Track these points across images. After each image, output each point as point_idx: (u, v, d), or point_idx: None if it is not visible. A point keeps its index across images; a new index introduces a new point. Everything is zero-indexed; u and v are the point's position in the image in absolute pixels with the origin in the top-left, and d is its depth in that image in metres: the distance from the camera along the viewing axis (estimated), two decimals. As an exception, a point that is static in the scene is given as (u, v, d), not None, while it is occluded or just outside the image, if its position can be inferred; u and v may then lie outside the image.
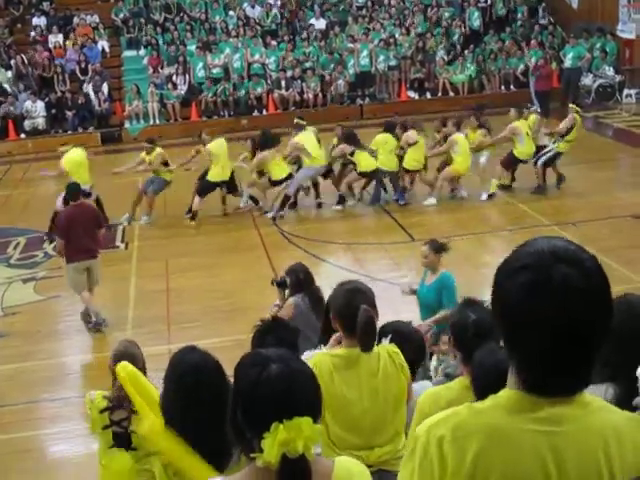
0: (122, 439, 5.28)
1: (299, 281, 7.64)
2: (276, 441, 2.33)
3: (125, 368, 4.55)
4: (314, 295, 7.50)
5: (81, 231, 10.89)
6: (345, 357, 4.49)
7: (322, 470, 2.52)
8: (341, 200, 15.58)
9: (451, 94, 25.01)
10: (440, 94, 25.13)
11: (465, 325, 4.26)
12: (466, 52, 25.62)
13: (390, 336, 4.77)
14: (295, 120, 16.12)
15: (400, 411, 4.60)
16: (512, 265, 2.06)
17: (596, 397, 2.15)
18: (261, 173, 15.57)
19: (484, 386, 3.45)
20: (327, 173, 15.87)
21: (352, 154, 15.39)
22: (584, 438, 2.03)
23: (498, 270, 2.11)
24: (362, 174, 15.54)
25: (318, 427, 2.41)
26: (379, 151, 15.29)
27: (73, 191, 11.41)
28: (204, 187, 15.31)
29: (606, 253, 11.77)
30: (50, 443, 8.68)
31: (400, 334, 5.06)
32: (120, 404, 5.23)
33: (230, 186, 15.60)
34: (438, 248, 8.28)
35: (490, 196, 15.40)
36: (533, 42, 25.18)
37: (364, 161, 15.29)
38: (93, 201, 14.77)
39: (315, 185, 15.82)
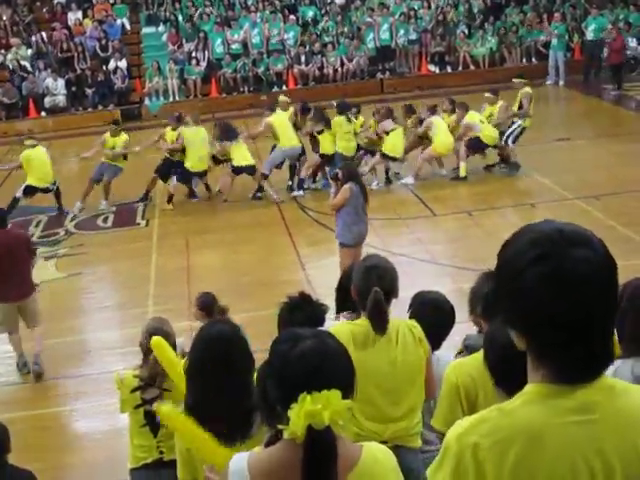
0: (154, 418, 5.28)
1: (350, 172, 9.92)
2: (302, 411, 2.33)
3: (159, 342, 4.56)
4: (361, 183, 10.04)
5: (7, 264, 9.00)
6: (365, 327, 4.48)
7: (349, 454, 2.52)
8: (300, 185, 15.27)
9: (472, 67, 24.82)
10: (461, 68, 24.95)
11: (486, 296, 4.22)
12: (487, 25, 25.39)
13: (410, 311, 4.75)
14: (280, 98, 15.93)
15: (416, 386, 4.58)
16: (522, 258, 1.96)
17: (616, 379, 2.09)
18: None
19: (497, 364, 3.41)
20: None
21: (320, 132, 15.01)
22: (618, 423, 1.96)
23: (504, 265, 2.02)
24: (322, 156, 15.12)
25: (347, 402, 2.40)
26: (337, 136, 14.89)
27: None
28: (186, 176, 15.06)
29: (631, 227, 11.69)
30: (71, 419, 8.72)
31: (429, 303, 5.02)
32: (152, 382, 5.22)
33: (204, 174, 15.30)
34: None
35: (462, 179, 15.08)
36: (556, 15, 24.86)
37: (327, 143, 14.97)
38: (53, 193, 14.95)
39: (291, 169, 15.40)
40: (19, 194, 14.73)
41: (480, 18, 25.72)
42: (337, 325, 4.68)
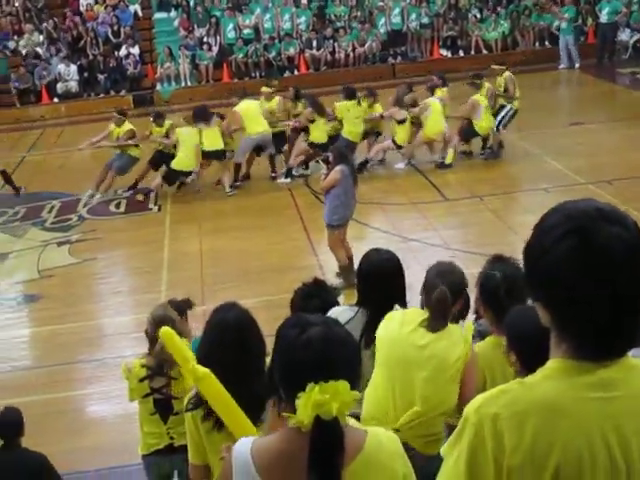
0: (164, 406, 5.31)
1: (341, 154, 10.06)
2: (310, 401, 2.33)
3: (168, 332, 4.56)
4: (351, 164, 10.19)
5: None
6: (419, 314, 4.42)
7: (354, 440, 2.51)
8: (288, 173, 15.24)
9: (484, 52, 24.71)
10: (473, 52, 24.84)
11: (495, 283, 4.20)
12: (500, 9, 25.27)
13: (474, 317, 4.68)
14: (262, 89, 15.81)
15: (449, 383, 4.34)
16: (554, 231, 1.97)
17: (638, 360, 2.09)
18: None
19: (524, 350, 3.41)
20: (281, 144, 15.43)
21: (312, 121, 14.88)
22: (637, 403, 1.98)
23: (536, 237, 2.03)
24: (312, 145, 15.03)
25: (354, 393, 2.39)
26: (344, 120, 14.83)
27: None
28: (170, 175, 14.80)
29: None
30: (85, 404, 8.78)
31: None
32: (160, 371, 5.25)
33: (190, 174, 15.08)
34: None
35: (446, 166, 15.02)
36: (567, -2, 24.72)
37: (317, 132, 14.90)
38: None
39: (271, 157, 15.32)
40: None
41: (493, 2, 25.59)
42: (393, 312, 4.57)
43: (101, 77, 24.38)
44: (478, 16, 25.15)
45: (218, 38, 24.87)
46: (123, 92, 24.11)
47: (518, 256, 4.34)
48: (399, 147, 15.17)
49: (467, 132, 15.19)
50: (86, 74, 24.41)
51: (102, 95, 24.11)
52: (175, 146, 14.77)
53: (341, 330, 2.55)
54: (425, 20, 25.11)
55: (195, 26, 25.36)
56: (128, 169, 15.28)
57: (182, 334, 5.34)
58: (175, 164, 14.59)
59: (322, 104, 15.09)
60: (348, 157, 10.37)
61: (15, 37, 25.38)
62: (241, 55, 24.40)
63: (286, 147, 15.51)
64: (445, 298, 4.27)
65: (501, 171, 14.77)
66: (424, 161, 15.41)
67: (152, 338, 5.27)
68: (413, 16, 25.02)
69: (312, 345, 2.42)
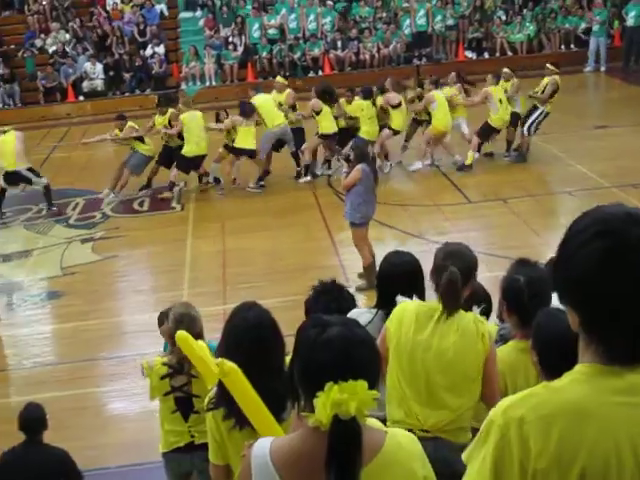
0: (185, 404, 5.32)
1: (362, 153, 10.20)
2: (329, 400, 2.32)
3: (184, 336, 4.55)
4: (371, 163, 10.30)
5: None
6: (431, 309, 4.38)
7: (373, 440, 2.51)
8: (306, 171, 15.22)
9: (509, 54, 24.61)
10: (498, 54, 24.74)
11: (519, 288, 4.16)
12: (525, 11, 25.16)
13: (483, 306, 4.65)
14: (277, 79, 15.95)
15: (470, 381, 4.33)
16: (584, 234, 1.96)
17: None
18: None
19: (548, 353, 3.39)
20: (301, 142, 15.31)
21: (318, 113, 14.89)
22: None
23: (566, 241, 2.01)
24: (322, 136, 15.05)
25: (373, 392, 2.38)
26: (360, 120, 14.80)
27: None
28: (183, 164, 14.71)
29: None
30: (106, 400, 8.83)
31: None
32: (181, 369, 5.26)
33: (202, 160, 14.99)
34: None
35: (466, 167, 14.94)
36: (597, 1, 24.51)
37: (326, 122, 14.89)
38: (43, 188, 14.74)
39: (294, 155, 15.26)
40: (2, 183, 14.72)
41: (518, 4, 25.48)
42: (407, 301, 4.56)
43: (126, 76, 24.50)
44: (503, 18, 25.06)
45: (243, 38, 24.92)
46: (148, 91, 24.20)
47: (542, 259, 4.34)
48: (396, 133, 15.15)
49: (484, 129, 15.12)
50: (112, 73, 24.53)
51: (127, 94, 24.24)
52: (180, 136, 14.69)
53: (361, 331, 2.55)
54: (450, 22, 25.06)
55: (220, 26, 25.42)
56: (142, 167, 15.22)
57: (202, 335, 5.34)
58: (186, 152, 14.49)
59: (331, 89, 15.05)
60: (368, 155, 10.48)
61: (42, 35, 25.56)
62: (265, 53, 24.44)
63: (306, 145, 15.42)
64: (456, 279, 4.23)
65: (525, 174, 14.70)
66: (447, 163, 15.35)
67: (171, 335, 5.27)
68: (438, 18, 24.96)
69: (332, 345, 2.43)
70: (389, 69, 24.01)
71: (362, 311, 4.94)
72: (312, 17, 25.25)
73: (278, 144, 15.21)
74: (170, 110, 15.03)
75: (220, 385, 3.91)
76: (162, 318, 6.25)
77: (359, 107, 14.83)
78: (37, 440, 5.79)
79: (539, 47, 25.07)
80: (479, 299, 4.69)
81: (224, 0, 26.05)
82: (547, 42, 24.98)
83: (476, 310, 4.56)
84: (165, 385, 5.32)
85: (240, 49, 24.72)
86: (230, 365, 3.72)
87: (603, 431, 1.93)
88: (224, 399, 3.87)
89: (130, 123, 15.28)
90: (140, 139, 15.13)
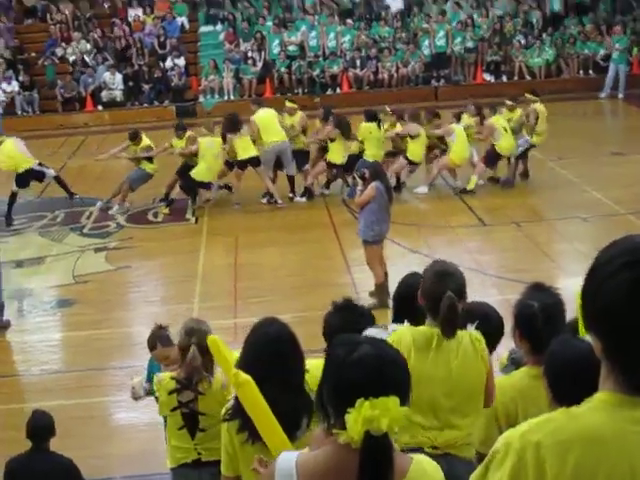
0: (191, 420, 5.29)
1: (377, 172, 10.24)
2: (360, 417, 2.33)
3: (215, 340, 4.53)
4: (387, 181, 10.41)
5: None
6: (427, 335, 4.39)
7: (399, 464, 2.51)
8: (305, 193, 15.24)
9: (528, 78, 24.61)
10: (516, 77, 24.75)
11: (533, 313, 4.13)
12: (544, 35, 25.19)
13: (477, 322, 4.66)
14: (287, 103, 15.94)
15: (474, 399, 4.41)
16: (612, 263, 1.96)
17: None
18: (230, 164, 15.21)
19: (560, 380, 3.38)
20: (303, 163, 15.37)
21: (332, 140, 14.89)
22: None
23: (594, 270, 2.01)
24: (329, 165, 15.09)
25: (404, 409, 2.39)
26: (365, 143, 14.73)
27: None
28: (188, 185, 14.75)
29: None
30: (114, 410, 8.81)
31: (478, 314, 4.93)
32: (189, 384, 5.22)
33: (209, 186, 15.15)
34: None
35: (468, 192, 14.95)
36: (617, 28, 24.54)
37: (337, 152, 14.87)
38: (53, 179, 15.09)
39: (290, 178, 15.21)
40: (14, 188, 14.85)
41: (538, 28, 25.52)
42: (400, 328, 4.60)
43: (145, 87, 24.64)
44: (523, 42, 25.07)
45: (263, 53, 25.04)
46: (166, 103, 24.32)
47: (555, 285, 4.32)
48: (411, 163, 15.15)
49: (490, 156, 15.17)
50: (131, 83, 24.68)
51: (145, 105, 24.37)
52: (197, 156, 14.76)
53: (391, 350, 2.58)
54: (470, 44, 25.10)
55: (240, 40, 25.55)
56: (140, 184, 15.29)
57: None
58: (195, 174, 14.57)
59: (349, 125, 15.04)
60: (384, 174, 10.50)
61: (63, 44, 25.74)
62: (284, 69, 24.54)
63: (308, 166, 15.42)
64: (455, 306, 4.25)
65: (540, 198, 14.69)
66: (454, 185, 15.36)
67: (182, 348, 5.26)
68: (458, 39, 25.01)
69: (363, 363, 2.44)
70: (407, 89, 24.09)
71: (377, 331, 4.91)
72: (332, 35, 25.34)
73: (279, 163, 15.16)
74: (187, 134, 15.17)
75: (237, 397, 3.91)
76: (154, 341, 6.11)
77: (367, 129, 14.74)
78: (44, 448, 5.80)
79: (557, 72, 25.08)
80: (473, 317, 4.69)
81: (245, 15, 26.20)
82: (565, 67, 24.99)
83: (470, 327, 4.56)
84: (173, 400, 5.26)
85: (259, 64, 24.84)
86: (245, 377, 3.72)
87: (620, 460, 1.92)
88: (240, 411, 3.86)
89: (146, 142, 15.39)
90: (149, 158, 15.28)
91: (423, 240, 12.89)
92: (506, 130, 14.90)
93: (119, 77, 24.52)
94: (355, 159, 14.71)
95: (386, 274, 10.17)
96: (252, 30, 25.50)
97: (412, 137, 14.91)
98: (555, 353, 3.49)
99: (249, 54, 24.94)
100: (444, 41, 25.04)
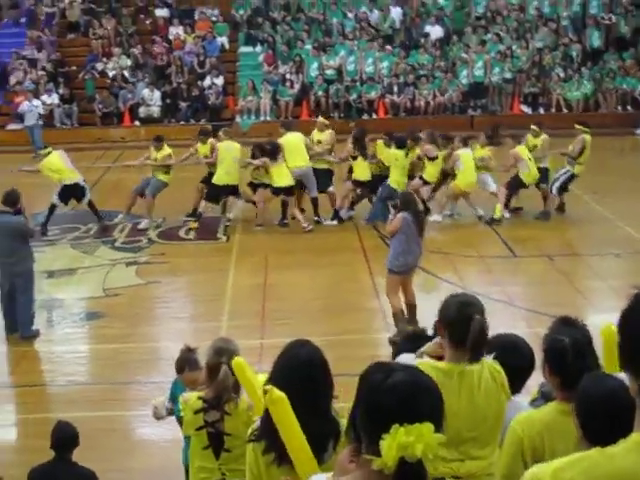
0: (216, 440, 5.26)
1: (406, 201, 10.23)
2: (395, 443, 2.32)
3: (240, 363, 4.52)
4: (416, 213, 10.25)
5: None
6: (447, 371, 4.32)
7: None
8: (335, 215, 15.35)
9: (565, 111, 24.53)
10: (554, 110, 24.67)
11: (563, 348, 4.09)
12: (584, 69, 25.11)
13: (494, 354, 4.62)
14: (319, 119, 16.21)
15: (495, 430, 4.40)
16: None
17: None
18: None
19: (591, 418, 3.34)
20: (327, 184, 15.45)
21: (354, 158, 15.07)
22: None
23: (632, 309, 2.01)
24: (356, 183, 15.20)
25: (439, 436, 2.38)
26: (391, 169, 14.77)
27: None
28: (212, 194, 15.01)
29: None
30: (137, 425, 8.83)
31: (509, 346, 4.89)
32: (216, 404, 5.21)
33: (235, 191, 15.25)
34: None
35: (496, 221, 14.92)
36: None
37: (360, 169, 15.03)
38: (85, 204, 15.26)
39: (313, 200, 15.30)
40: (55, 200, 15.07)
41: (577, 62, 25.44)
42: (420, 365, 4.55)
43: (183, 105, 24.84)
44: (561, 75, 25.01)
45: (301, 76, 25.17)
46: (203, 121, 24.45)
47: (584, 320, 4.28)
48: (426, 183, 15.22)
49: (514, 183, 15.17)
50: (168, 101, 24.89)
51: (182, 122, 24.54)
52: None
53: (425, 376, 2.56)
54: (508, 75, 25.08)
55: (279, 62, 25.72)
56: (159, 192, 15.52)
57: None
58: (216, 180, 14.81)
59: (364, 143, 15.14)
60: (414, 205, 10.40)
61: (104, 59, 26.05)
62: (321, 92, 24.64)
63: (332, 188, 15.51)
64: (485, 329, 4.23)
65: (573, 232, 14.60)
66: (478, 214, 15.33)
67: (211, 368, 5.24)
68: (496, 70, 25.01)
69: (397, 389, 2.43)
70: (443, 117, 24.07)
71: (412, 356, 4.86)
72: (370, 60, 25.44)
73: (299, 186, 15.25)
74: (210, 140, 15.58)
75: (264, 418, 3.89)
76: (182, 365, 6.12)
77: (394, 156, 14.79)
78: (67, 458, 5.82)
79: (595, 106, 24.97)
80: (504, 349, 4.67)
81: (284, 38, 26.37)
82: (603, 102, 24.87)
83: (488, 358, 4.53)
84: (199, 420, 5.22)
85: (297, 87, 24.96)
86: (279, 394, 3.70)
87: None
88: (267, 432, 3.85)
89: (167, 150, 15.65)
90: (166, 166, 15.54)
91: (452, 269, 12.84)
92: (530, 159, 14.93)
93: (157, 94, 24.75)
94: (378, 179, 14.80)
95: (414, 306, 10.10)
96: (291, 53, 25.67)
97: (430, 159, 14.98)
98: (587, 390, 3.45)
99: (287, 76, 25.09)
100: (482, 71, 25.05)
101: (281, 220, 15.29)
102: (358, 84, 25.00)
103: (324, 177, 15.34)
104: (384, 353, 9.60)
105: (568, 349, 4.03)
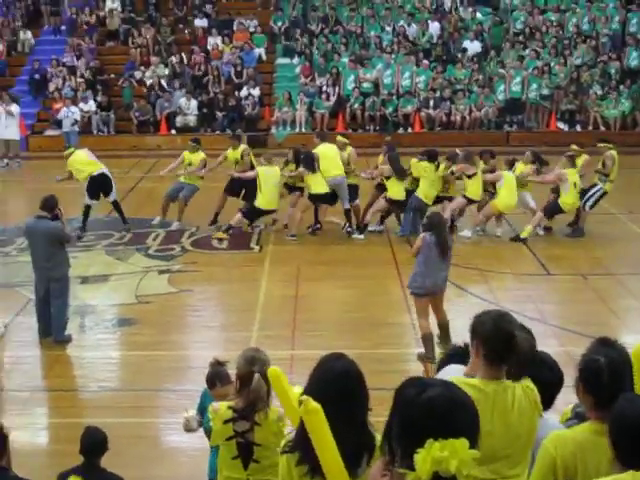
0: (246, 450, 5.24)
1: (430, 224, 10.07)
2: (429, 457, 2.32)
3: (276, 372, 4.51)
4: (440, 235, 9.78)
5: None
6: (481, 389, 4.24)
7: None
8: (363, 229, 15.42)
9: (602, 129, 24.35)
10: (591, 127, 24.51)
11: (599, 368, 4.04)
12: (622, 87, 24.93)
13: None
14: (338, 138, 16.20)
15: (528, 448, 4.35)
16: None
17: None
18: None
19: (625, 440, 3.31)
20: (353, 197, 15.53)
21: (388, 178, 15.11)
22: None
23: None
24: (390, 201, 15.23)
25: (473, 452, 2.38)
26: (420, 180, 14.88)
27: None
28: (250, 212, 15.15)
29: None
30: (165, 432, 8.83)
31: (537, 360, 4.83)
32: (247, 413, 5.20)
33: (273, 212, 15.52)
34: None
35: (521, 240, 14.82)
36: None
37: (396, 188, 15.04)
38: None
39: (346, 212, 15.38)
40: (87, 200, 15.43)
41: (615, 80, 25.26)
42: (452, 379, 4.50)
43: (219, 115, 24.97)
44: (599, 93, 24.85)
45: (337, 89, 25.22)
46: (239, 131, 24.53)
47: (619, 340, 4.23)
48: (471, 201, 15.13)
49: (552, 208, 15.08)
50: (205, 110, 25.03)
51: (218, 132, 24.65)
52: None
53: (461, 392, 2.56)
54: (545, 91, 24.96)
55: (316, 74, 25.79)
56: (192, 197, 15.89)
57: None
58: (259, 204, 14.98)
59: (399, 164, 15.14)
60: (439, 227, 9.99)
61: (142, 68, 26.27)
62: (357, 105, 24.66)
63: (357, 201, 15.64)
64: (534, 346, 4.23)
65: (607, 251, 14.46)
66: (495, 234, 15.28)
67: (243, 377, 5.23)
68: (534, 86, 24.88)
69: (433, 404, 2.45)
70: (479, 132, 24.01)
71: (460, 368, 4.79)
72: (407, 74, 25.43)
73: (334, 197, 15.34)
74: (242, 146, 15.93)
75: (299, 429, 3.88)
76: (213, 380, 6.10)
77: (423, 168, 14.88)
78: (95, 464, 5.83)
79: (633, 124, 24.79)
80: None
81: (322, 50, 26.44)
82: (642, 120, 24.69)
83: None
84: (228, 429, 5.21)
85: (333, 99, 25.02)
86: (315, 405, 3.67)
87: None
88: (301, 444, 3.84)
89: (202, 154, 15.94)
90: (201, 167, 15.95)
91: (486, 285, 12.76)
92: (575, 186, 14.75)
93: (194, 103, 24.91)
94: (410, 194, 14.89)
95: (445, 326, 9.98)
96: (328, 65, 25.72)
97: (469, 177, 14.91)
98: (622, 411, 3.41)
99: (323, 88, 25.15)
100: (520, 87, 24.94)
101: (313, 226, 15.46)
102: (394, 98, 24.99)
103: (350, 191, 15.41)
104: (414, 368, 9.58)
105: (603, 369, 3.99)
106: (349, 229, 15.37)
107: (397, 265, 13.58)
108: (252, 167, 15.59)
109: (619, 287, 12.78)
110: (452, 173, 15.04)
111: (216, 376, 6.10)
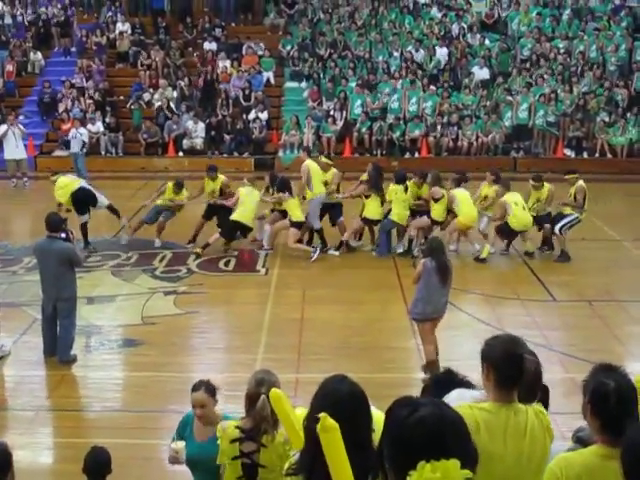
0: (251, 471, 5.25)
1: (430, 249, 10.09)
2: (422, 479, 2.32)
3: (278, 394, 4.53)
4: (440, 260, 9.83)
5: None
6: (492, 412, 4.27)
7: None
8: (340, 245, 15.84)
9: (609, 156, 24.40)
10: (598, 155, 24.55)
11: (608, 392, 4.07)
12: (629, 115, 24.99)
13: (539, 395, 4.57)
14: (321, 158, 16.59)
15: (540, 474, 4.28)
16: None
17: None
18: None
19: (636, 466, 3.32)
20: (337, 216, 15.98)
21: (367, 197, 15.54)
22: None
23: None
24: (365, 220, 15.75)
25: (465, 472, 2.38)
26: (393, 203, 15.42)
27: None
28: (228, 229, 15.53)
29: None
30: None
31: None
32: (254, 435, 5.20)
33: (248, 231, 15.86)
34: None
35: (480, 260, 15.17)
36: None
37: (372, 207, 15.50)
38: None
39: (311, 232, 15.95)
40: (81, 218, 15.71)
41: (622, 107, 25.33)
42: (459, 406, 4.49)
43: (227, 137, 25.08)
44: (606, 120, 24.91)
45: (344, 113, 25.33)
46: (246, 154, 24.69)
47: (624, 368, 4.25)
48: (435, 223, 15.50)
49: (503, 230, 15.38)
50: (213, 133, 25.14)
51: (225, 155, 24.76)
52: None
53: (452, 411, 2.56)
54: (552, 118, 25.03)
55: (324, 99, 25.91)
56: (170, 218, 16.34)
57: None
58: (234, 216, 15.34)
59: (380, 181, 15.60)
60: (438, 252, 10.01)
61: (151, 90, 26.42)
62: (364, 129, 24.76)
63: (342, 218, 16.03)
64: (539, 367, 4.23)
65: (613, 278, 14.45)
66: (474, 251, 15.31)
67: (251, 398, 5.24)
68: (540, 113, 24.96)
69: (424, 424, 2.44)
70: (485, 158, 24.05)
71: (475, 394, 4.79)
72: (414, 99, 25.53)
73: (325, 211, 15.82)
74: (221, 177, 16.19)
75: (303, 452, 3.88)
76: (200, 384, 6.15)
77: (393, 191, 15.41)
78: (100, 485, 5.85)
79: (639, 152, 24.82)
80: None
81: (330, 74, 26.58)
82: (649, 148, 24.71)
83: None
84: (234, 449, 5.23)
85: (340, 123, 25.12)
86: (332, 423, 3.67)
87: None
88: (305, 466, 3.84)
89: (186, 193, 16.46)
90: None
91: (492, 311, 12.76)
92: (517, 204, 15.01)
93: (201, 126, 25.03)
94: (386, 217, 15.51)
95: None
96: (336, 90, 25.85)
97: (436, 200, 15.26)
98: (635, 442, 3.42)
99: (331, 112, 25.26)
100: (527, 113, 25.02)
101: (322, 248, 15.72)
102: (402, 122, 25.08)
103: (335, 210, 15.94)
104: (419, 393, 9.56)
105: (612, 393, 4.02)
106: (324, 248, 15.75)
107: (403, 290, 13.58)
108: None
109: (624, 314, 12.76)
110: (419, 198, 15.50)
111: (204, 384, 6.10)
